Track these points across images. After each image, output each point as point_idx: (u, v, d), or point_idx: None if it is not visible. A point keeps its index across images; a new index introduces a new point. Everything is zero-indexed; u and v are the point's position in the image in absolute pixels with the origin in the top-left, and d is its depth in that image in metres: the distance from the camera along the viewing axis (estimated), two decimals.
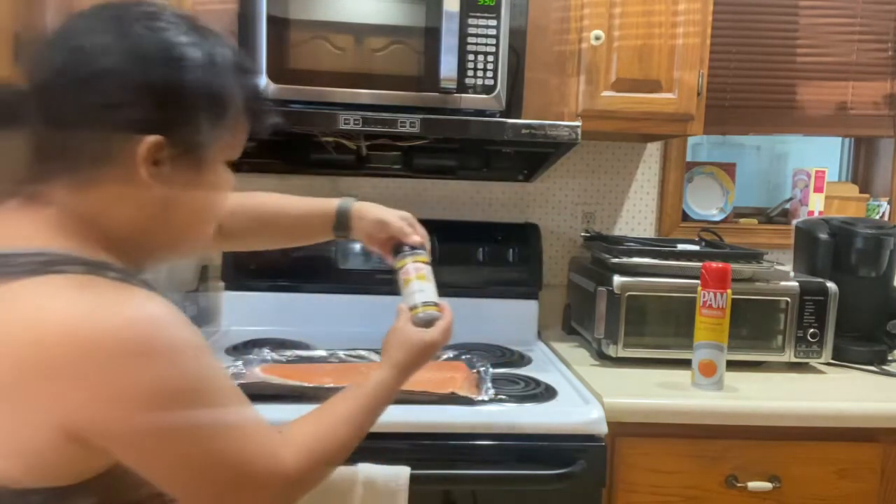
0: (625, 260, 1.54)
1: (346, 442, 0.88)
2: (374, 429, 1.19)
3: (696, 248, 1.67)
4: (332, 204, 1.15)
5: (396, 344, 1.00)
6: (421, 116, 1.41)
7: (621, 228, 2.01)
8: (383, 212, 1.13)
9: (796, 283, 1.55)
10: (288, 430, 0.81)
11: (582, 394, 1.36)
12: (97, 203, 0.74)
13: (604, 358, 1.57)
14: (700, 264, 1.39)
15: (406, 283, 1.06)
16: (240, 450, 0.73)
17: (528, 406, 1.29)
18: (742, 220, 2.10)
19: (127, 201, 0.75)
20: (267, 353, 1.49)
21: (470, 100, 1.47)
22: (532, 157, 1.80)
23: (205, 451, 0.71)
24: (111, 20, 0.74)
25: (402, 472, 1.14)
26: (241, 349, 1.57)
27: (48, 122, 0.74)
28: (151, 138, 0.72)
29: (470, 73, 1.46)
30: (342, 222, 1.14)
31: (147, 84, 0.72)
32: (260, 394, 1.24)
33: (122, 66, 0.72)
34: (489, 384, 1.34)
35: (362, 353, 1.54)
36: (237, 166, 2.06)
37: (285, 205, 1.17)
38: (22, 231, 0.72)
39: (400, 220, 1.12)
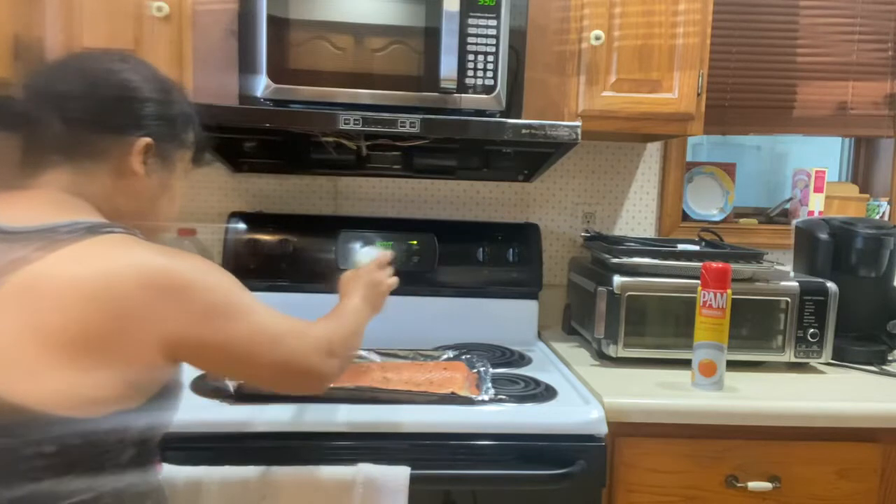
0: (625, 260, 1.54)
1: (357, 329, 1.12)
2: (374, 429, 1.20)
3: (696, 248, 1.66)
4: None
5: (350, 278, 1.25)
6: (421, 116, 1.41)
7: (621, 228, 2.01)
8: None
9: (796, 283, 1.55)
10: (314, 322, 1.03)
11: (582, 394, 1.36)
12: (97, 188, 0.93)
13: (604, 358, 1.57)
14: (700, 264, 1.39)
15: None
16: (280, 331, 0.94)
17: (528, 406, 1.29)
18: (742, 220, 2.10)
19: (119, 189, 0.95)
20: None
21: (470, 100, 1.47)
22: (532, 157, 1.80)
23: (261, 337, 0.92)
24: (118, 58, 0.98)
25: (402, 472, 1.14)
26: None
27: (64, 124, 0.91)
28: (144, 140, 0.95)
29: (470, 73, 1.46)
30: None
31: (140, 103, 0.95)
32: (259, 394, 1.25)
33: (120, 91, 0.94)
34: (489, 384, 1.34)
35: (362, 352, 1.54)
36: (238, 166, 2.07)
37: None
38: (44, 210, 0.88)
39: None
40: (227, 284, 0.92)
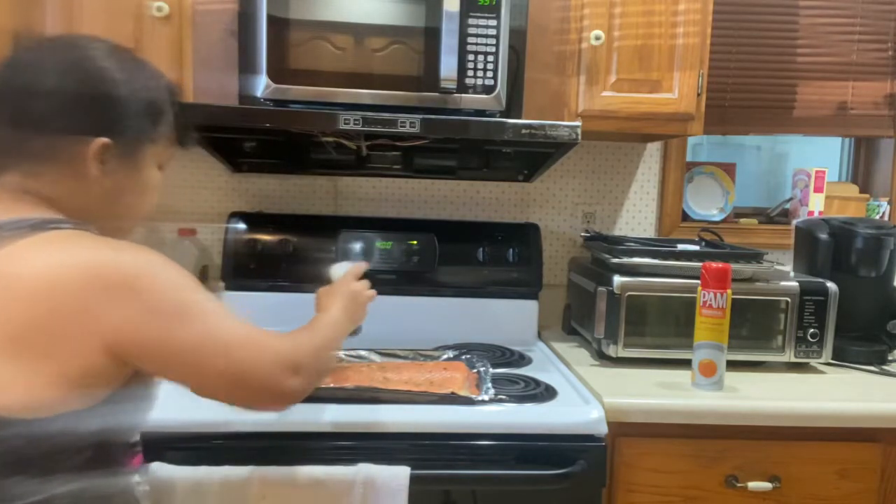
0: (625, 260, 1.54)
1: (332, 343, 1.06)
2: (375, 429, 1.20)
3: (696, 248, 1.66)
4: None
5: (327, 292, 1.20)
6: (421, 116, 1.41)
7: (621, 228, 2.01)
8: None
9: (796, 283, 1.55)
10: (283, 333, 0.96)
11: (582, 394, 1.36)
12: (57, 189, 0.90)
13: (604, 358, 1.57)
14: (700, 264, 1.39)
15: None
16: (236, 339, 0.87)
17: (528, 406, 1.29)
18: (742, 220, 2.10)
19: (79, 189, 0.91)
20: None
21: (470, 100, 1.47)
22: (532, 157, 1.80)
23: (212, 344, 0.85)
24: (67, 48, 0.92)
25: (402, 472, 1.14)
26: None
27: (11, 125, 0.88)
28: (100, 140, 0.90)
29: (470, 73, 1.46)
30: None
31: (98, 99, 0.90)
32: None
33: (78, 85, 0.89)
34: (489, 384, 1.34)
35: (362, 353, 1.54)
36: (238, 166, 2.07)
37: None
38: None
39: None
40: (181, 284, 0.86)
